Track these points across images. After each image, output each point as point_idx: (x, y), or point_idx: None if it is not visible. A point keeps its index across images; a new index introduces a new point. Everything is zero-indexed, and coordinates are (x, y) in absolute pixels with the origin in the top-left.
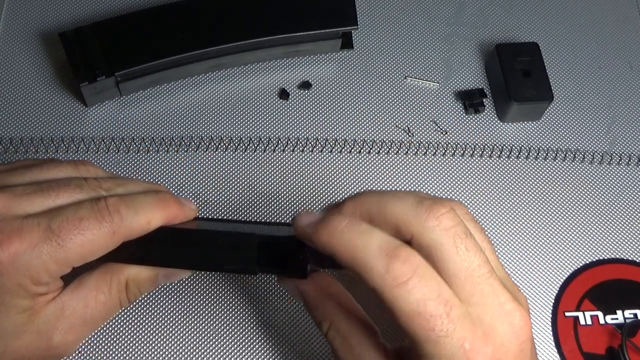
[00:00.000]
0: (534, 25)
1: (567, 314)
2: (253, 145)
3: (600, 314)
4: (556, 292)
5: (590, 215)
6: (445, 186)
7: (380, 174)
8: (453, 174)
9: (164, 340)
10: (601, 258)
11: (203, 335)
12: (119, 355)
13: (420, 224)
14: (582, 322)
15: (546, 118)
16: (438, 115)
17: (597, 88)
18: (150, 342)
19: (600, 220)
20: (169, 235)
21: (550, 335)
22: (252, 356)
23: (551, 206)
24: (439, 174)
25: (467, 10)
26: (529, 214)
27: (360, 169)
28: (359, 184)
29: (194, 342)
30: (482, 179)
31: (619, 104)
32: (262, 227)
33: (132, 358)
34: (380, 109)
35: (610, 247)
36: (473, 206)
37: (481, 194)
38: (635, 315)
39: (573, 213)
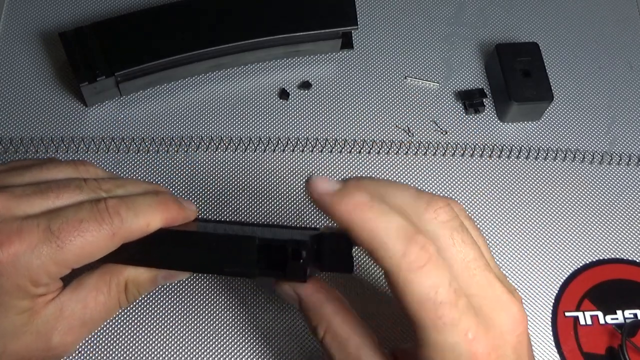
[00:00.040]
0: (534, 25)
1: (567, 314)
2: (253, 145)
3: (600, 314)
4: (556, 292)
5: (590, 215)
6: (445, 186)
7: (380, 174)
8: (453, 174)
9: (164, 340)
10: (601, 258)
11: (203, 335)
12: (119, 355)
13: (418, 215)
14: (582, 322)
15: (546, 118)
16: (438, 115)
17: (597, 88)
18: (150, 342)
19: (600, 220)
20: (168, 237)
21: (550, 335)
22: (252, 356)
23: (551, 206)
24: (439, 174)
25: (467, 10)
26: (529, 214)
27: (360, 169)
28: None
29: (194, 342)
30: (482, 179)
31: (619, 104)
32: (262, 230)
33: (132, 358)
34: (380, 109)
35: (610, 247)
36: (473, 206)
37: (481, 194)
38: (635, 315)
39: (573, 213)
